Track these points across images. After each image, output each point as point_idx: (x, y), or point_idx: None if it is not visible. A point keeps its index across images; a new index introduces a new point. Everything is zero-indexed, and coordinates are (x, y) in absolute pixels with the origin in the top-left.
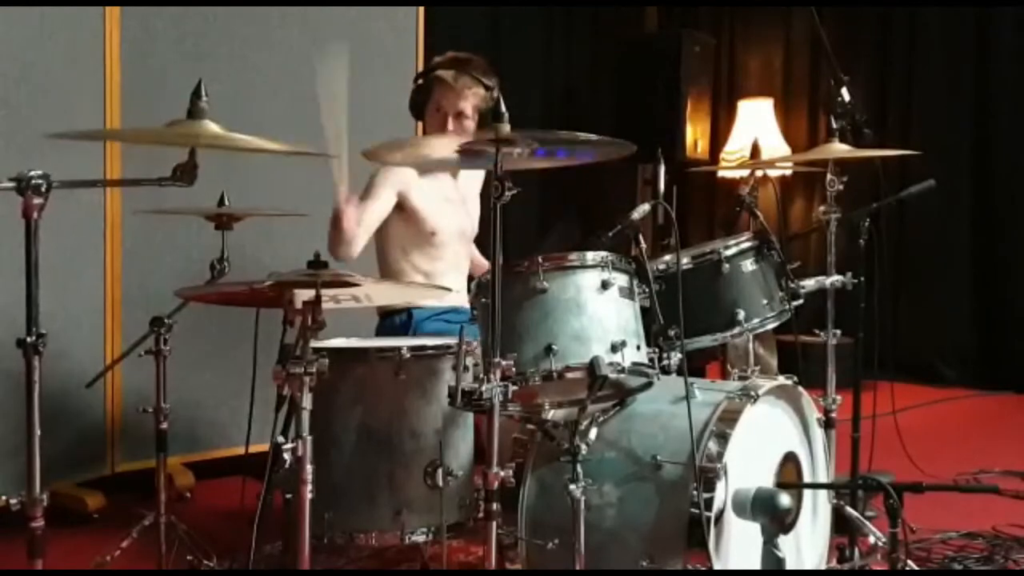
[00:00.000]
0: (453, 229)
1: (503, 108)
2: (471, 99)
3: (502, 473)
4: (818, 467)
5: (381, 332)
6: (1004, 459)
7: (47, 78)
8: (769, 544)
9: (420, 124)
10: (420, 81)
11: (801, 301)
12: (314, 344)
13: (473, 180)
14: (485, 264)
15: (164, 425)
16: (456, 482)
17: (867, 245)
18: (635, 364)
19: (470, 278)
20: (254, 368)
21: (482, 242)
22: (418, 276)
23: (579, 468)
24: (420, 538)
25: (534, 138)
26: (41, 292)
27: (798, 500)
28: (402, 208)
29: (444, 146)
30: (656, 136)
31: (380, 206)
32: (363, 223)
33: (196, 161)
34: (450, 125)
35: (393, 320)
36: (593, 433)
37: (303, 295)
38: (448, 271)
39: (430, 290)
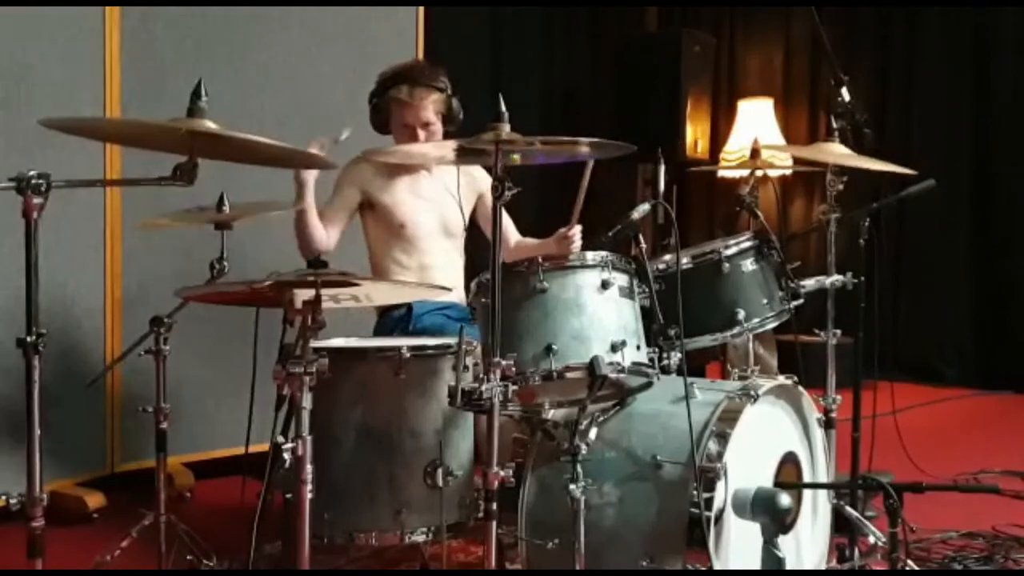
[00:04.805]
0: (426, 223)
1: (503, 108)
2: (431, 107)
3: (502, 473)
4: (818, 467)
5: (381, 327)
6: (1004, 459)
7: (47, 78)
8: (769, 544)
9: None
10: (376, 101)
11: (801, 301)
12: (314, 344)
13: (449, 175)
14: (528, 245)
15: (164, 425)
16: (456, 482)
17: (867, 245)
18: (635, 364)
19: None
20: (254, 368)
21: (483, 241)
22: (404, 272)
23: (579, 468)
24: (420, 538)
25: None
26: (41, 292)
27: (798, 500)
28: (371, 205)
29: (436, 148)
30: (656, 136)
31: (340, 201)
32: (325, 217)
33: (196, 160)
34: (421, 137)
35: (392, 315)
36: (593, 433)
37: (303, 295)
38: (437, 267)
39: (429, 288)
